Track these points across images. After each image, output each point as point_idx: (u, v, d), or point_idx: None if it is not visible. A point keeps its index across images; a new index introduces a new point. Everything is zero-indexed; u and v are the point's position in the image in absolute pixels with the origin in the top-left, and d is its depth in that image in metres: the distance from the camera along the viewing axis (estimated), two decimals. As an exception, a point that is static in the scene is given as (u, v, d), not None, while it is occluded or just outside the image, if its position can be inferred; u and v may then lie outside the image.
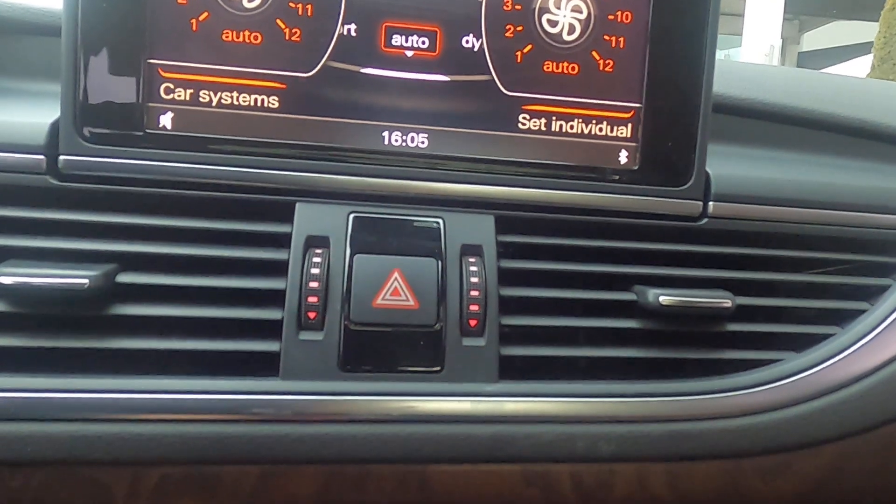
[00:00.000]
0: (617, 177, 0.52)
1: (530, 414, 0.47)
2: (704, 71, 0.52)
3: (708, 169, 0.53)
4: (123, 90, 0.47)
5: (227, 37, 0.48)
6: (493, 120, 0.51)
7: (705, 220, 0.53)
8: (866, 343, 0.52)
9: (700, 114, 0.52)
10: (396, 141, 0.50)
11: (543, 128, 0.51)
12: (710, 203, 0.53)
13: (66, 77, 0.46)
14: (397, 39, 0.49)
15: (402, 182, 0.50)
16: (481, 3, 0.50)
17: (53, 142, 0.46)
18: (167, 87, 0.48)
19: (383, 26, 0.49)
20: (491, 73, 0.50)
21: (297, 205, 0.49)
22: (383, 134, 0.50)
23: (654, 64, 0.52)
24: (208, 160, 0.48)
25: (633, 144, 0.52)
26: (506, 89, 0.51)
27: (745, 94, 0.61)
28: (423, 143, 0.50)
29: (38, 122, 0.47)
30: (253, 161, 0.48)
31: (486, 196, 0.51)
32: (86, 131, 0.46)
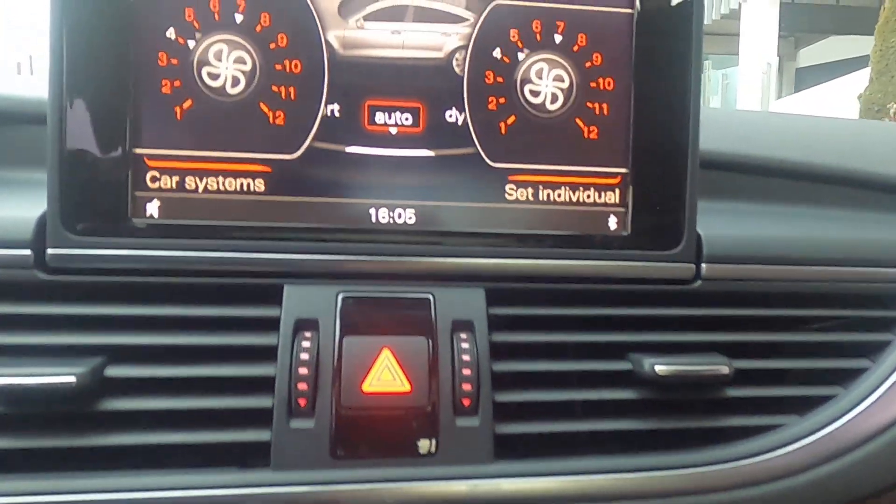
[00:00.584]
0: (607, 243, 0.52)
1: (530, 494, 0.46)
2: (690, 131, 0.52)
3: (699, 229, 0.53)
4: (110, 180, 0.47)
5: (211, 123, 0.48)
6: (479, 192, 0.51)
7: (699, 282, 0.53)
8: (871, 403, 0.51)
9: (688, 175, 0.52)
10: (384, 218, 0.50)
11: (531, 197, 0.51)
12: (703, 265, 0.52)
13: (51, 170, 0.46)
14: (381, 117, 0.50)
15: (390, 259, 0.49)
16: (463, 77, 0.50)
17: (41, 236, 0.47)
18: (153, 176, 0.48)
19: (366, 105, 0.49)
20: (476, 146, 0.50)
21: (286, 287, 0.49)
22: (370, 211, 0.50)
23: (639, 129, 0.51)
24: (195, 247, 0.48)
25: (622, 210, 0.52)
26: (491, 161, 0.51)
27: (732, 148, 0.61)
28: (410, 218, 0.50)
29: (26, 216, 0.47)
30: (240, 245, 0.48)
31: (476, 269, 0.50)
32: (73, 224, 0.47)
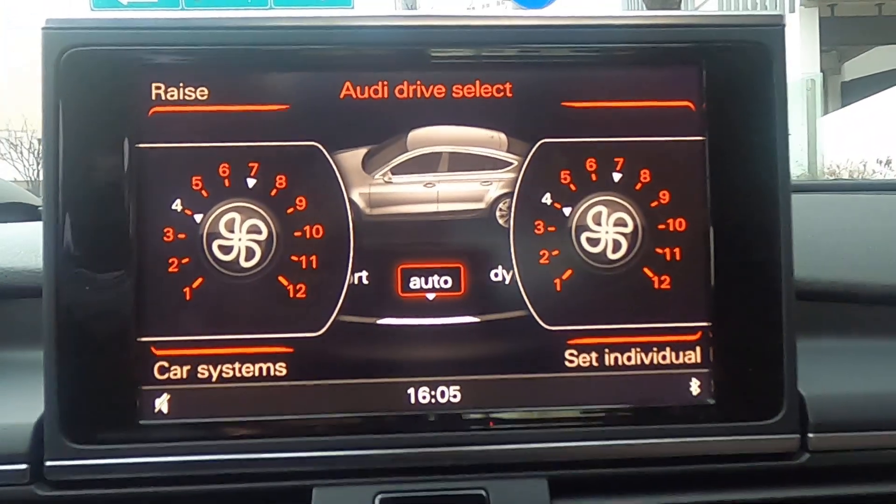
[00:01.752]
0: (690, 415, 0.43)
1: None
2: (783, 270, 0.43)
3: (800, 389, 0.44)
4: (113, 375, 0.42)
5: (224, 302, 0.42)
6: (535, 361, 0.43)
7: (805, 456, 0.44)
8: None
9: (783, 324, 0.43)
10: (424, 398, 0.43)
11: (595, 364, 0.43)
12: (810, 435, 0.43)
13: (48, 368, 0.41)
14: (416, 282, 0.43)
15: (434, 450, 0.42)
16: (508, 229, 0.43)
17: (38, 446, 0.41)
18: (161, 367, 0.42)
19: (398, 270, 0.43)
20: (527, 308, 0.43)
21: (314, 490, 0.42)
22: (408, 391, 0.43)
23: (721, 273, 0.44)
24: (212, 449, 0.41)
25: (705, 371, 0.44)
26: (546, 324, 0.43)
27: (827, 274, 0.52)
28: (454, 397, 0.43)
29: (21, 422, 0.41)
30: (262, 445, 0.42)
31: (536, 456, 0.42)
32: (73, 430, 0.41)
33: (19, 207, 0.67)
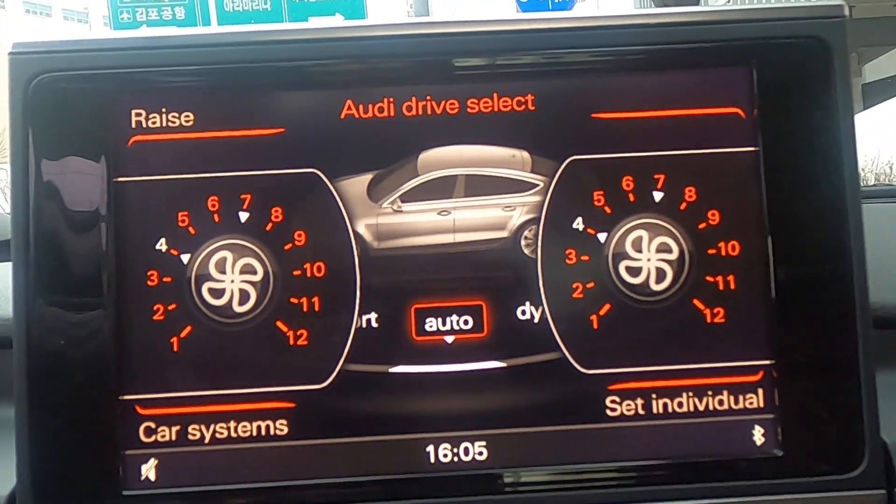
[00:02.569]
0: (754, 470, 0.37)
1: None
2: (856, 295, 0.37)
3: (883, 436, 0.38)
4: (93, 439, 0.37)
5: (216, 353, 0.37)
6: (571, 410, 0.38)
7: (894, 514, 0.37)
8: None
9: (860, 359, 0.37)
10: (445, 456, 0.37)
11: (641, 411, 0.38)
12: (897, 490, 0.37)
13: (19, 434, 0.36)
14: (432, 324, 0.38)
15: (458, 517, 0.37)
16: (536, 259, 0.38)
17: (10, 522, 0.36)
18: (147, 428, 0.37)
19: (412, 310, 0.38)
20: (561, 349, 0.38)
21: (323, 567, 0.36)
22: (427, 449, 0.37)
23: (784, 303, 0.38)
24: None
25: (770, 417, 0.38)
26: (583, 367, 0.38)
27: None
28: (480, 454, 0.37)
29: (-8, 494, 0.37)
30: (261, 515, 0.37)
31: (577, 521, 0.37)
32: (49, 503, 0.36)
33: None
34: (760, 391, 0.38)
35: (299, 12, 5.75)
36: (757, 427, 0.38)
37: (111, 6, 5.74)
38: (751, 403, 0.38)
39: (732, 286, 0.38)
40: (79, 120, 0.37)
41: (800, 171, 0.38)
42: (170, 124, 0.38)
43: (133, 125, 0.38)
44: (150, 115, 0.38)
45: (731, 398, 0.38)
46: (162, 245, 0.37)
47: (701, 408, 0.38)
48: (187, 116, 0.38)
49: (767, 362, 0.38)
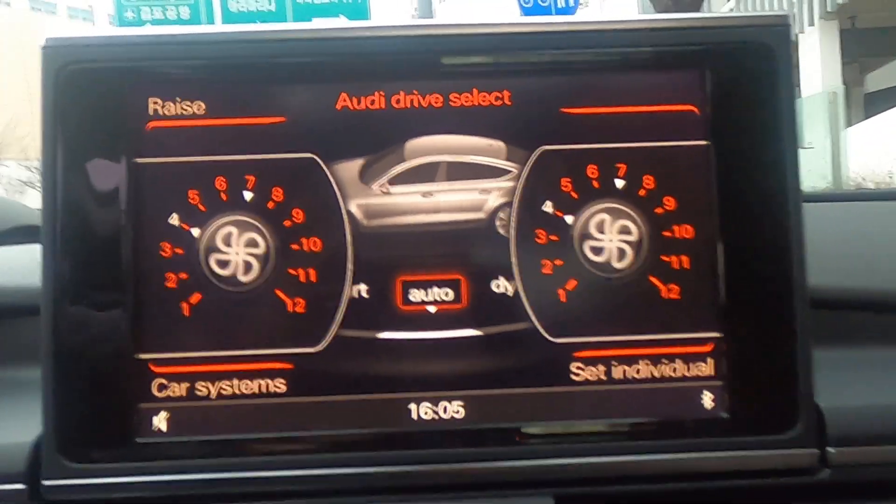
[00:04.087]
0: (702, 429, 0.42)
1: None
2: (795, 274, 0.42)
3: (817, 401, 0.42)
4: (111, 393, 0.41)
5: (223, 318, 0.42)
6: (540, 375, 0.42)
7: (826, 471, 0.41)
8: None
9: (798, 333, 0.42)
10: (426, 414, 0.42)
11: (603, 377, 0.42)
12: (829, 449, 0.41)
13: (45, 390, 0.40)
14: (416, 295, 0.42)
15: (437, 466, 0.41)
16: (509, 238, 0.42)
17: (35, 465, 0.41)
18: (160, 384, 0.41)
19: (398, 282, 0.42)
20: (531, 320, 0.42)
21: (315, 508, 0.41)
22: (409, 407, 0.42)
23: (732, 281, 0.42)
24: (211, 467, 0.41)
25: (718, 384, 0.42)
26: (552, 336, 0.42)
27: (843, 281, 0.50)
28: (457, 412, 0.42)
29: (18, 441, 0.41)
30: (260, 463, 0.41)
31: (542, 472, 0.41)
32: (70, 449, 0.40)
33: (27, 230, 0.67)
34: (710, 360, 0.42)
35: (303, 13, 5.81)
36: (706, 392, 0.42)
37: (116, 4, 5.80)
38: (701, 371, 0.42)
39: (686, 266, 0.42)
40: (102, 107, 0.42)
41: (747, 163, 0.42)
42: (183, 112, 0.42)
43: (150, 112, 0.42)
44: (166, 103, 0.42)
45: (684, 366, 0.42)
46: (174, 220, 0.42)
47: (657, 375, 0.42)
48: (199, 105, 0.42)
49: (716, 335, 0.42)
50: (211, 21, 5.74)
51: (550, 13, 5.20)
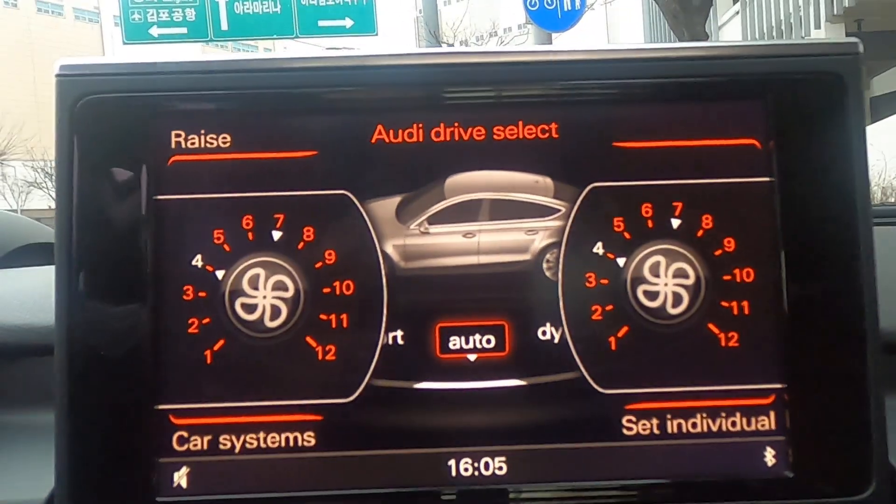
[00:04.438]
0: (765, 490, 0.39)
1: None
2: (866, 321, 0.39)
3: (892, 461, 0.39)
4: (129, 446, 0.38)
5: (248, 366, 0.39)
6: (589, 428, 0.39)
7: (901, 537, 0.39)
8: None
9: (869, 383, 0.39)
10: (466, 470, 0.39)
11: (657, 430, 0.39)
12: (905, 512, 0.38)
13: (59, 442, 0.38)
14: (455, 342, 0.39)
15: (478, 529, 0.38)
16: (557, 282, 0.39)
17: (48, 525, 0.38)
18: (181, 437, 0.39)
19: (437, 328, 0.39)
20: (579, 369, 0.39)
21: (347, 575, 0.38)
22: (449, 463, 0.39)
23: (796, 328, 0.39)
24: None
25: (781, 439, 0.39)
26: (601, 387, 0.39)
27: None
28: (500, 469, 0.39)
29: (28, 499, 0.38)
30: (288, 524, 0.38)
31: (592, 536, 0.38)
32: (85, 508, 0.38)
33: (36, 249, 0.65)
34: (772, 413, 0.39)
35: (309, 16, 5.78)
36: (768, 448, 0.39)
37: (122, 7, 5.78)
38: (762, 425, 0.39)
39: (746, 311, 0.39)
40: (121, 140, 0.39)
41: (813, 201, 0.39)
42: (208, 145, 0.39)
43: (173, 146, 0.39)
44: (189, 137, 0.39)
45: (744, 420, 0.39)
46: (198, 261, 0.39)
47: (714, 428, 0.39)
48: (224, 138, 0.39)
49: (779, 386, 0.39)
50: (217, 23, 5.72)
51: (556, 15, 5.17)
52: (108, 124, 0.39)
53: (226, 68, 0.39)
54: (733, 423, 0.39)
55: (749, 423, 0.39)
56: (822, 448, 0.39)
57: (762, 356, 0.39)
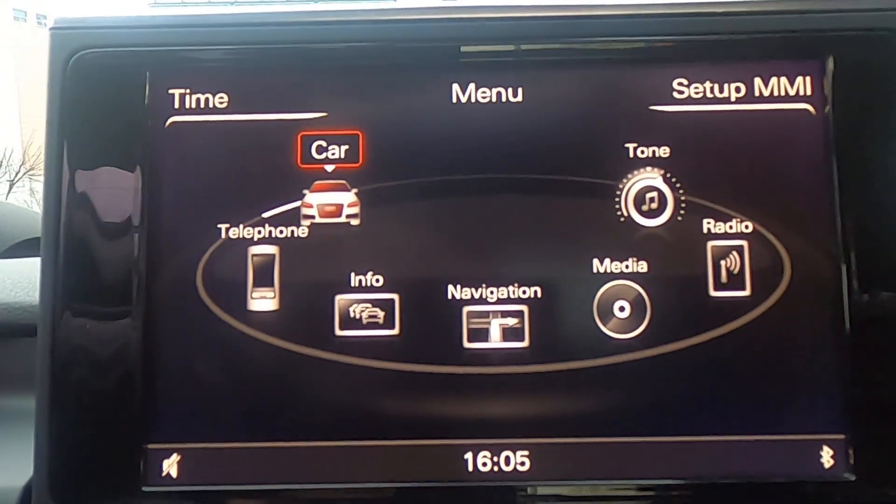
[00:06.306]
0: (822, 493, 0.34)
1: None
2: None
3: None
4: (114, 431, 0.35)
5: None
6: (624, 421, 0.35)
7: (978, 548, 0.34)
8: None
9: None
10: (484, 465, 0.35)
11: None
12: (982, 521, 0.34)
13: (39, 426, 0.35)
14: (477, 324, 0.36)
15: (498, 530, 0.34)
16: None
17: (25, 513, 0.35)
18: (172, 420, 0.35)
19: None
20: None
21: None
22: (465, 457, 0.35)
23: (857, 310, 0.35)
24: None
25: (840, 437, 0.35)
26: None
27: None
28: (522, 464, 0.35)
29: (6, 486, 0.35)
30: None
31: (625, 542, 0.34)
32: (65, 497, 0.34)
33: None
34: (829, 409, 0.35)
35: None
36: (825, 448, 0.35)
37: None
38: (819, 422, 0.35)
39: None
40: (116, 98, 0.36)
41: (874, 171, 0.35)
42: (209, 105, 0.36)
43: (172, 105, 0.36)
44: (192, 95, 0.36)
45: (798, 416, 0.35)
46: None
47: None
48: (221, 98, 0.36)
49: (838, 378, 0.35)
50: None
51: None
52: (103, 81, 0.36)
53: (230, 22, 0.36)
54: (786, 420, 0.35)
55: (804, 420, 0.35)
56: (886, 447, 0.34)
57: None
